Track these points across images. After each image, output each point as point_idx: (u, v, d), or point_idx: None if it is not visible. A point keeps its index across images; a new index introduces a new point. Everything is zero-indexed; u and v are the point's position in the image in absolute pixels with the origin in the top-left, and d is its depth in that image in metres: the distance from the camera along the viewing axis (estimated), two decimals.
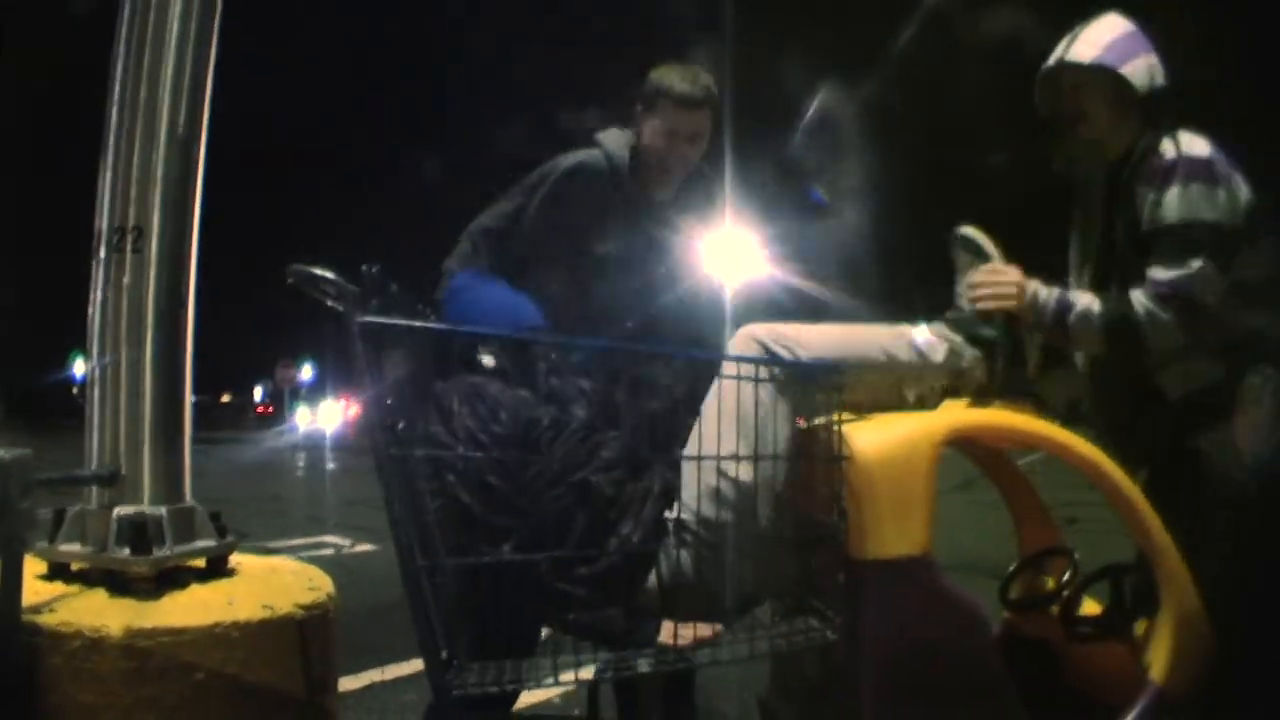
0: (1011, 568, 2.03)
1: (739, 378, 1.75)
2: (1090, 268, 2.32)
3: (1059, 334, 2.10)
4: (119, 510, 1.63)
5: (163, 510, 1.66)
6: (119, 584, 1.58)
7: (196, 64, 1.76)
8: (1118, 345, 2.09)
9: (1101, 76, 2.14)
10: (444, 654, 1.56)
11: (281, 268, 1.56)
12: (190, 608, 1.55)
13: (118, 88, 1.72)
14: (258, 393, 47.10)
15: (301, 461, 19.28)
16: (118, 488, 1.67)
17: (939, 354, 1.92)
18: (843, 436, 1.72)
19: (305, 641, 1.64)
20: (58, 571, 1.64)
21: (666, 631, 1.66)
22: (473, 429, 1.77)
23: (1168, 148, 2.09)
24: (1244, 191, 2.10)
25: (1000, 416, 1.88)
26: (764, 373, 1.77)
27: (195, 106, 1.77)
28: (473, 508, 1.72)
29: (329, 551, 6.52)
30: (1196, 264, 2.01)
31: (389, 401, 1.62)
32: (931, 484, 1.69)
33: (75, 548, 1.64)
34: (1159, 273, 2.04)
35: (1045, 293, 2.05)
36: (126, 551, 1.59)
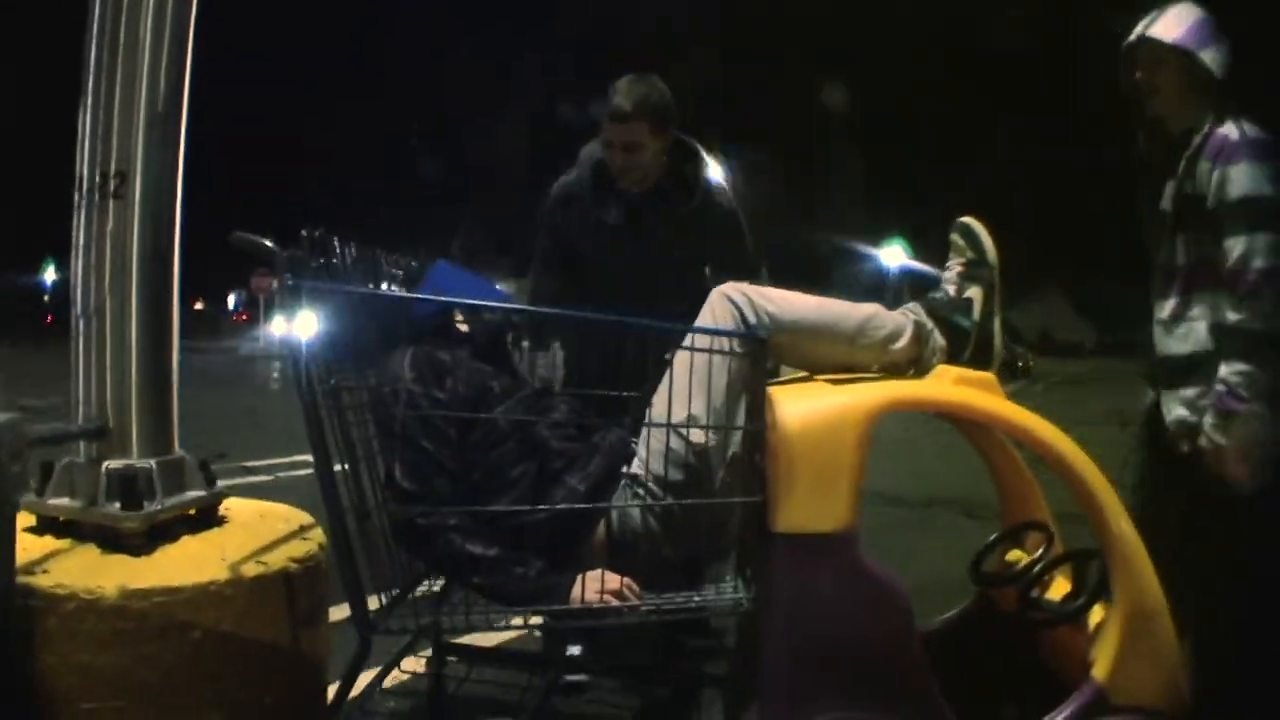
0: (991, 538, 2.01)
1: (711, 350, 1.74)
2: (1163, 243, 2.35)
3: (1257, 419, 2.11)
4: (108, 464, 1.62)
5: (152, 463, 1.64)
6: (110, 539, 1.57)
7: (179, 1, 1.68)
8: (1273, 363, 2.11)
9: (1177, 55, 2.24)
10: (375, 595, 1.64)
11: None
12: (184, 564, 1.55)
13: (96, 25, 1.64)
14: (231, 300, 46.47)
15: (276, 372, 19.12)
16: (106, 441, 1.65)
17: (902, 340, 1.90)
18: (771, 404, 1.69)
19: (298, 594, 1.65)
20: (47, 525, 1.63)
21: (577, 593, 1.68)
22: (415, 393, 1.79)
23: (1231, 129, 2.20)
24: None
25: (943, 390, 1.78)
26: (732, 342, 1.76)
27: (178, 45, 1.69)
28: (419, 461, 1.76)
29: (307, 471, 6.54)
30: (1264, 237, 2.10)
31: (327, 356, 1.66)
32: (859, 458, 1.63)
33: (65, 502, 1.63)
34: (1234, 253, 2.11)
35: (1217, 423, 2.09)
36: (117, 506, 1.58)
